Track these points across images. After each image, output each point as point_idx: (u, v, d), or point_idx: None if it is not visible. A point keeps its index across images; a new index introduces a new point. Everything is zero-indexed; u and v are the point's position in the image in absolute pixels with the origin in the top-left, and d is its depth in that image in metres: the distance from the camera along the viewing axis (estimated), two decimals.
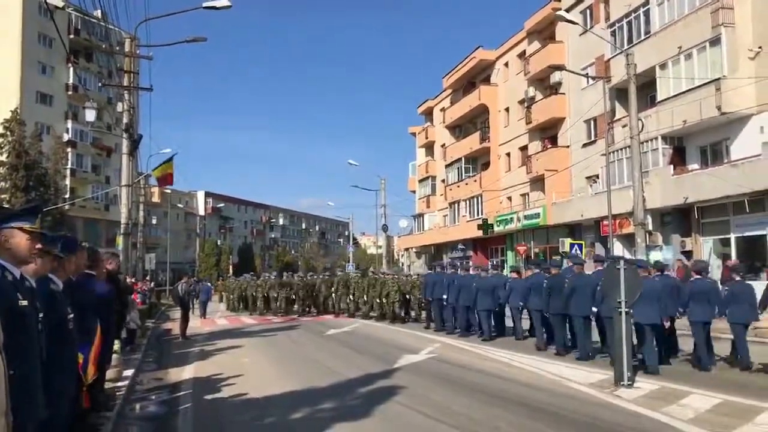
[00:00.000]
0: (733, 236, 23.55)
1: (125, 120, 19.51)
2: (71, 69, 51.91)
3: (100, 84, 42.52)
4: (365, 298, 23.33)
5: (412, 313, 21.93)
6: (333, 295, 26.06)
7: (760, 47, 22.66)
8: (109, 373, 8.46)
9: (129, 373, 10.53)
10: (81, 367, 4.77)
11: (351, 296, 24.55)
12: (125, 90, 19.68)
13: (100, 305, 5.69)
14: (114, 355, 9.18)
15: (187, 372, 11.80)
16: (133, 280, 19.01)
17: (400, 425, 7.39)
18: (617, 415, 7.60)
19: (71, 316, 4.36)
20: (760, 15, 22.83)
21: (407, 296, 21.61)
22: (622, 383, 9.00)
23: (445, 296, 17.26)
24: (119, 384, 9.52)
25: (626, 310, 9.13)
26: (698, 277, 11.23)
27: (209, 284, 40.69)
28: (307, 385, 9.96)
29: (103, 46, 21.77)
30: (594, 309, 11.44)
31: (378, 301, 22.21)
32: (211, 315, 28.17)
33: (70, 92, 53.71)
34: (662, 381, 9.45)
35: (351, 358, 13.31)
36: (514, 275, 16.63)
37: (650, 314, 10.27)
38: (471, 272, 17.42)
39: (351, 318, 23.87)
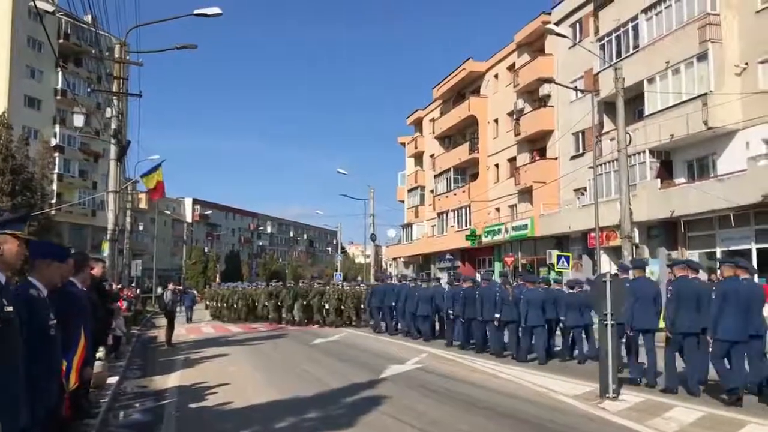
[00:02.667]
0: (719, 250, 23.69)
1: (113, 126, 19.46)
2: (60, 73, 51.72)
3: (89, 89, 42.57)
4: (296, 306, 25.56)
5: (362, 317, 24.28)
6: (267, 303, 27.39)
7: (746, 63, 22.89)
8: (93, 380, 8.39)
9: (113, 380, 10.46)
10: (63, 374, 4.72)
11: (279, 304, 26.57)
12: (114, 96, 19.63)
13: (82, 312, 5.63)
14: (98, 362, 9.11)
15: (171, 380, 11.75)
16: (119, 286, 18.90)
17: None
18: (602, 427, 7.62)
19: (54, 322, 4.31)
20: (747, 32, 23.07)
21: (341, 305, 24.46)
22: (607, 395, 9.01)
23: (394, 303, 20.29)
24: (103, 391, 9.45)
25: (612, 322, 9.15)
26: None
27: (194, 291, 40.47)
28: (292, 395, 9.93)
29: (93, 51, 21.70)
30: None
31: (314, 308, 24.84)
32: (196, 323, 28.04)
33: (58, 97, 53.50)
34: (647, 394, 9.47)
35: (337, 368, 13.28)
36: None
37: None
38: (414, 284, 20.81)
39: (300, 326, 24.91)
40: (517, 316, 13.78)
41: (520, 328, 13.84)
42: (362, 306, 24.06)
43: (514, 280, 16.85)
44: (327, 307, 24.48)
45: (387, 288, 21.50)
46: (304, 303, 25.34)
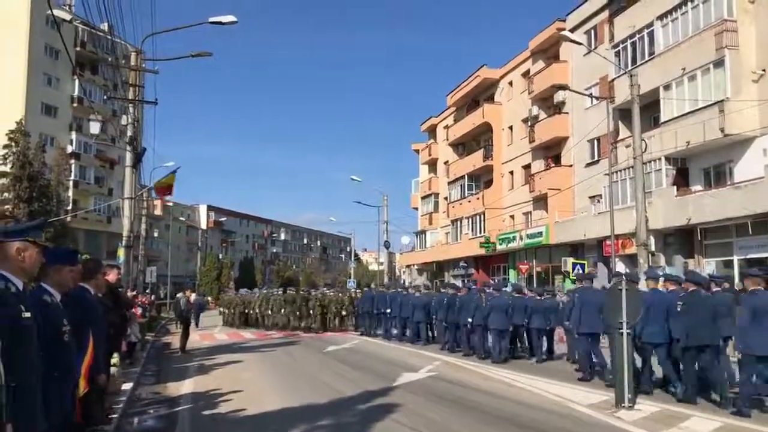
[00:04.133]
0: (736, 258, 23.49)
1: (129, 133, 19.61)
2: (77, 81, 52.16)
3: (105, 97, 42.92)
4: (282, 312, 26.58)
5: (346, 322, 25.85)
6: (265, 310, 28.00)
7: (763, 70, 22.73)
8: (108, 387, 8.40)
9: (128, 386, 10.49)
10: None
11: (269, 311, 27.49)
12: (130, 103, 19.78)
13: (94, 318, 5.64)
14: (113, 369, 9.14)
15: (185, 386, 11.77)
16: (134, 293, 18.98)
17: None
18: None
19: (67, 328, 4.32)
20: (764, 38, 22.91)
21: (324, 310, 25.78)
22: (622, 405, 8.93)
23: (389, 310, 21.57)
24: (118, 397, 9.47)
25: (627, 331, 9.07)
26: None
27: (209, 298, 40.52)
28: (305, 402, 9.91)
29: (109, 59, 21.88)
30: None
31: (297, 314, 25.98)
32: (209, 330, 28.12)
33: (75, 104, 53.94)
34: (663, 403, 9.38)
35: (350, 375, 13.25)
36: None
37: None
38: (407, 292, 22.13)
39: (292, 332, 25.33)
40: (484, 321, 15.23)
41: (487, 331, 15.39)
42: (343, 312, 25.80)
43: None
44: (312, 313, 25.81)
45: (380, 295, 23.20)
46: (290, 310, 26.35)
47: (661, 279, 11.55)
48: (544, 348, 15.53)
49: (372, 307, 22.78)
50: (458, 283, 26.85)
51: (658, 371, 10.54)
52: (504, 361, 14.55)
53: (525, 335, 16.24)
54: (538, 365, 14.31)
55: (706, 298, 9.82)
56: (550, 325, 15.50)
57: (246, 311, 29.82)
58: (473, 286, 17.75)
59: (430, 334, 20.19)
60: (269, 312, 27.41)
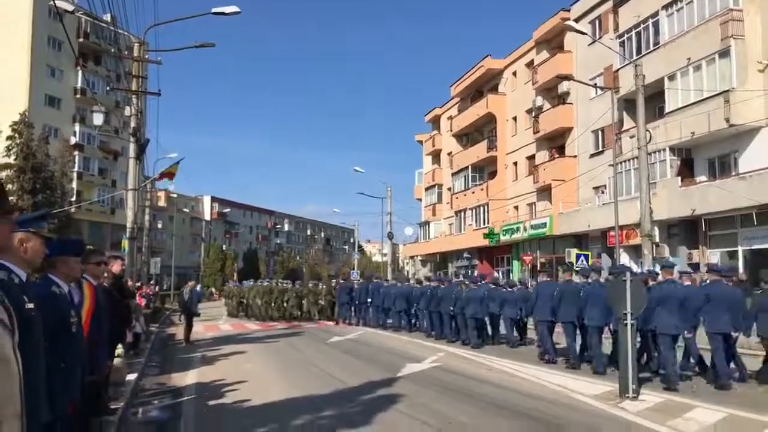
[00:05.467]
0: (740, 249, 23.45)
1: (133, 124, 19.61)
2: (80, 72, 52.16)
3: (108, 88, 42.89)
4: (259, 303, 27.83)
5: (325, 313, 26.88)
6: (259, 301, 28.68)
7: None
8: (112, 377, 8.42)
9: (132, 377, 10.51)
10: None
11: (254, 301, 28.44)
12: (133, 94, 19.76)
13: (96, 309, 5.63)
14: (117, 359, 9.16)
15: (190, 377, 11.79)
16: (138, 284, 19.00)
17: None
18: (621, 427, 7.56)
19: (75, 319, 4.33)
20: None
21: (302, 300, 27.11)
22: (626, 395, 8.93)
23: (369, 300, 23.33)
24: (122, 388, 9.49)
25: (631, 322, 9.06)
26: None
27: (212, 289, 40.53)
28: (309, 392, 9.93)
29: (112, 50, 21.84)
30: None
31: (274, 305, 27.23)
32: (213, 319, 28.22)
33: (78, 95, 53.98)
34: (667, 394, 9.37)
35: (354, 366, 13.27)
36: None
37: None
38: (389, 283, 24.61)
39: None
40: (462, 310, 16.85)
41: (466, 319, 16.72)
42: (321, 302, 27.13)
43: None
44: (289, 304, 27.11)
45: (361, 286, 24.94)
46: (266, 301, 27.66)
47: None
48: (515, 335, 16.88)
49: (350, 297, 24.46)
50: (460, 274, 27.29)
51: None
52: (480, 347, 15.85)
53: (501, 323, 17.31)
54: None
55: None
56: (521, 315, 16.55)
57: (242, 302, 30.53)
58: (482, 281, 18.06)
59: (413, 322, 21.37)
60: (258, 302, 28.26)
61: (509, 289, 17.09)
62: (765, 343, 10.40)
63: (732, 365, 10.58)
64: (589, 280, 12.45)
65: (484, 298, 16.52)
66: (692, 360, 11.31)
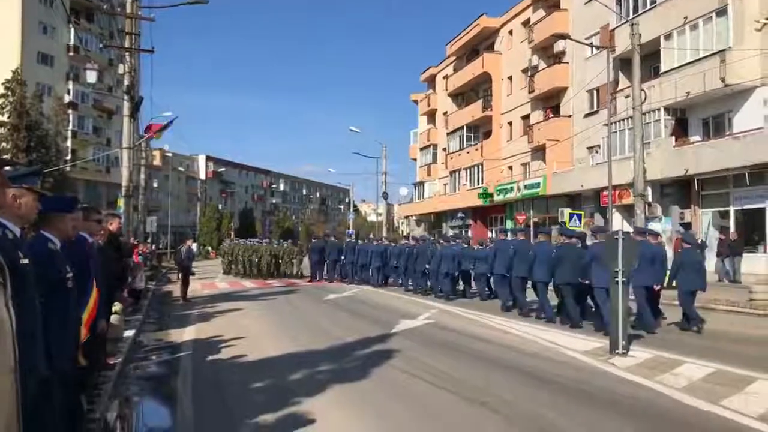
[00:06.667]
0: (732, 209, 23.60)
1: (126, 82, 19.48)
2: (72, 30, 51.42)
3: (101, 45, 42.34)
4: (240, 259, 29.50)
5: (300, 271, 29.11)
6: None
7: (767, 18, 22.46)
8: (109, 333, 8.54)
9: (130, 333, 10.65)
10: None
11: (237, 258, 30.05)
12: (126, 52, 19.61)
13: (94, 265, 5.67)
14: (115, 316, 9.27)
15: (187, 333, 11.93)
16: (134, 241, 19.09)
17: (396, 388, 7.51)
18: (610, 382, 7.71)
19: (71, 275, 4.39)
20: None
21: (278, 259, 28.70)
22: (616, 351, 9.10)
23: (343, 257, 24.98)
24: (120, 344, 9.62)
25: (623, 280, 9.19)
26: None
27: (208, 247, 40.33)
28: (305, 348, 10.08)
29: (104, 6, 21.61)
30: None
31: (250, 261, 28.81)
32: (210, 278, 28.41)
33: (71, 53, 53.21)
34: (657, 350, 9.54)
35: (349, 323, 13.44)
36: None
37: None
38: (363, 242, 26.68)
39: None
40: (437, 267, 18.15)
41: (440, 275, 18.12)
42: (294, 261, 29.23)
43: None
44: (259, 261, 28.63)
45: (331, 244, 26.36)
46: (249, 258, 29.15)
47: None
48: (485, 289, 17.91)
49: (320, 256, 25.72)
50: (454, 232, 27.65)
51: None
52: (450, 299, 17.37)
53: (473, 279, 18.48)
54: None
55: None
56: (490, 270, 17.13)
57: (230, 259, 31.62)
58: (455, 240, 19.77)
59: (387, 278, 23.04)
60: (240, 259, 29.76)
61: (479, 247, 18.49)
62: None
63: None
64: (564, 240, 13.28)
65: (457, 255, 17.91)
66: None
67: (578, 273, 11.89)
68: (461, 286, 18.83)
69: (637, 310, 11.72)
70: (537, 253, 13.69)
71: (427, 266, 19.01)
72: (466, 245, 18.71)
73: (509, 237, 16.53)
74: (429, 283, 19.64)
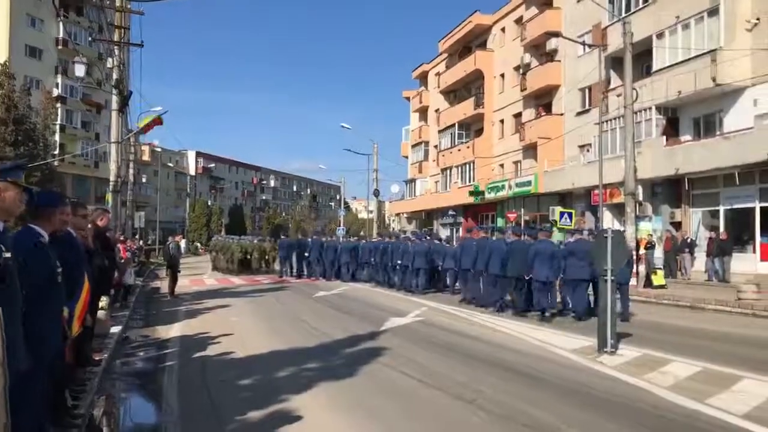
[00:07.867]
0: (722, 208, 23.66)
1: (115, 76, 19.35)
2: (61, 23, 51.06)
3: (90, 39, 42.08)
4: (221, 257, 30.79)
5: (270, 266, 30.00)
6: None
7: (758, 19, 22.51)
8: (96, 329, 8.45)
9: (117, 329, 10.55)
10: (66, 321, 4.75)
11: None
12: (115, 45, 19.46)
13: (83, 259, 5.61)
14: (101, 312, 9.18)
15: (174, 330, 11.86)
16: (122, 237, 18.96)
17: (384, 385, 7.47)
18: (598, 380, 7.69)
19: (59, 269, 4.33)
20: None
21: (248, 255, 29.47)
22: (605, 350, 9.09)
23: (307, 254, 25.83)
24: (106, 340, 9.54)
25: (611, 277, 9.17)
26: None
27: (197, 244, 40.23)
28: (293, 345, 10.03)
29: None
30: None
31: (224, 257, 30.16)
32: (199, 275, 28.31)
33: (60, 46, 52.92)
34: (645, 348, 9.54)
35: (338, 320, 13.40)
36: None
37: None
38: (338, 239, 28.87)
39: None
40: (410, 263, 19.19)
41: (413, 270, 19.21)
42: (266, 257, 30.15)
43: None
44: (235, 257, 29.37)
45: (301, 242, 27.54)
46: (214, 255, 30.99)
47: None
48: (457, 284, 18.42)
49: (288, 253, 26.74)
50: (446, 231, 28.03)
51: None
52: (424, 294, 18.45)
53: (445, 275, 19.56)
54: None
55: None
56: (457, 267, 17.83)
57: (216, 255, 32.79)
58: (426, 238, 21.55)
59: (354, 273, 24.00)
60: (220, 257, 30.98)
61: (449, 245, 19.96)
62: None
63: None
64: (542, 238, 14.12)
65: (428, 251, 19.17)
66: (558, 300, 14.20)
67: (525, 267, 13.26)
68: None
69: (567, 300, 13.67)
70: (492, 249, 14.88)
71: (399, 261, 19.94)
72: (437, 241, 20.46)
73: (494, 237, 17.34)
74: (397, 279, 20.48)
